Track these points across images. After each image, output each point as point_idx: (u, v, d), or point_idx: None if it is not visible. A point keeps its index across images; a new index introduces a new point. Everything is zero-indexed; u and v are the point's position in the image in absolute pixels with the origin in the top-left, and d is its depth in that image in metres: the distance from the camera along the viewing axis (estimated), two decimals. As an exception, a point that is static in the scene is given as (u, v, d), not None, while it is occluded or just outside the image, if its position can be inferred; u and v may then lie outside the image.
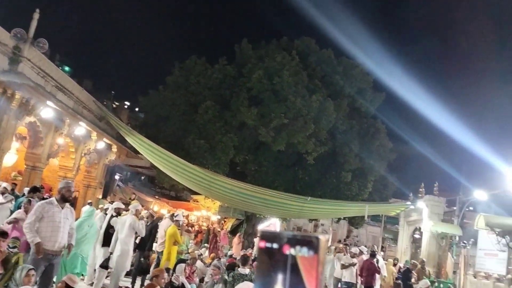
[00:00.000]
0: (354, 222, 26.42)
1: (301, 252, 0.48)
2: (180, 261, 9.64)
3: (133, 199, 19.85)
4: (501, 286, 12.93)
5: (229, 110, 18.88)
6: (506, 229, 11.93)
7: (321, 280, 0.46)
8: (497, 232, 12.13)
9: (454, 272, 15.04)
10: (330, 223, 24.80)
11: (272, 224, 17.81)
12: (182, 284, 7.31)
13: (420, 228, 17.60)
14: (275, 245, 0.49)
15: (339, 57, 21.49)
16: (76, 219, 7.96)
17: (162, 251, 10.23)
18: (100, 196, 19.20)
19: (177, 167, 14.34)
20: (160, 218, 12.21)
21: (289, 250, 0.48)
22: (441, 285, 13.96)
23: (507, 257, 12.73)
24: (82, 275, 9.24)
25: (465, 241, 13.88)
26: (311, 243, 0.47)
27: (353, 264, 11.18)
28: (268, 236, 0.52)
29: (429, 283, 10.48)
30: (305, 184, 19.51)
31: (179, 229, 10.60)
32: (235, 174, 19.34)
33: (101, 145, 17.39)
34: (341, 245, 13.61)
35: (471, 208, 14.61)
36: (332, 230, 26.85)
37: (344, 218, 25.25)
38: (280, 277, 0.47)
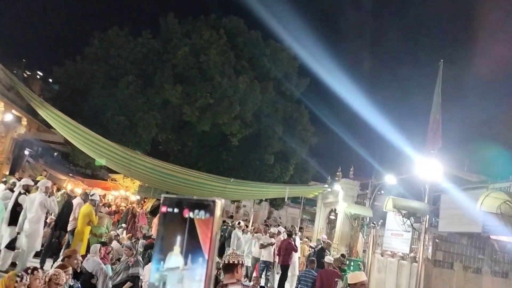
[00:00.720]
0: (275, 203, 27.15)
1: (199, 215, 0.50)
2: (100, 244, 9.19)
3: (44, 176, 18.52)
4: (404, 263, 14.01)
5: (152, 86, 18.21)
6: (411, 211, 12.88)
7: (215, 240, 0.49)
8: (403, 214, 13.05)
9: (364, 251, 16.02)
10: (252, 204, 25.18)
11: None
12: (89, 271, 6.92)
13: (335, 210, 18.48)
14: (176, 210, 0.51)
15: (267, 40, 21.60)
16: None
17: (73, 231, 9.66)
18: (7, 173, 17.67)
19: (94, 144, 13.57)
20: (74, 197, 11.52)
21: (188, 214, 0.50)
22: (352, 263, 14.82)
23: (411, 237, 13.76)
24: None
25: (374, 222, 14.81)
26: (208, 206, 0.49)
27: (272, 244, 11.45)
28: (169, 202, 0.53)
29: (332, 259, 10.98)
30: (228, 165, 19.54)
31: (95, 209, 10.07)
32: (157, 153, 18.82)
33: (9, 117, 15.91)
34: (260, 226, 13.89)
35: (382, 191, 15.59)
36: (253, 211, 27.33)
37: (266, 200, 25.82)
38: (179, 238, 0.49)
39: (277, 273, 12.30)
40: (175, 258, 0.48)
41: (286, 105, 21.85)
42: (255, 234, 12.32)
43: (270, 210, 31.26)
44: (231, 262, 3.54)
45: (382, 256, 15.65)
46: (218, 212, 0.49)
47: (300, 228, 16.56)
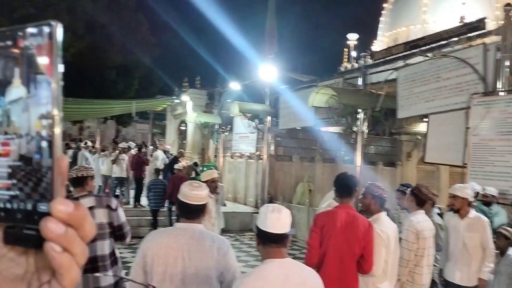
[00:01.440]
0: (122, 121, 26.16)
1: (36, 41, 0.45)
2: None
3: None
4: (252, 162, 15.28)
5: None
6: (255, 113, 13.81)
7: (57, 63, 0.44)
8: (248, 117, 13.92)
9: (216, 156, 16.90)
10: (96, 124, 23.83)
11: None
12: None
13: (185, 121, 18.72)
14: (9, 42, 0.45)
15: None
16: None
17: None
18: None
19: None
20: None
21: (23, 43, 0.45)
22: (205, 169, 15.56)
23: (256, 138, 14.92)
24: None
25: (223, 128, 15.52)
26: (43, 32, 0.45)
27: (123, 159, 11.28)
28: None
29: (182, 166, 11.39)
30: (64, 84, 17.81)
31: None
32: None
33: None
34: (108, 144, 13.40)
35: (229, 100, 16.18)
36: (99, 131, 25.98)
37: (112, 118, 24.67)
38: (17, 70, 0.45)
39: (132, 189, 12.29)
40: (16, 89, 0.45)
41: (122, 14, 20.21)
42: (101, 153, 11.87)
43: (117, 129, 30.10)
44: (79, 175, 3.38)
45: (232, 158, 16.78)
46: (58, 37, 0.45)
47: (154, 143, 16.44)
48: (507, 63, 6.90)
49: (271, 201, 11.81)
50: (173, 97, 19.83)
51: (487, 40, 7.51)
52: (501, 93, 6.88)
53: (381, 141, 15.79)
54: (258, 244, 2.10)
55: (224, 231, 11.61)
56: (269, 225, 2.02)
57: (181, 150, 15.97)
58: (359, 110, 10.40)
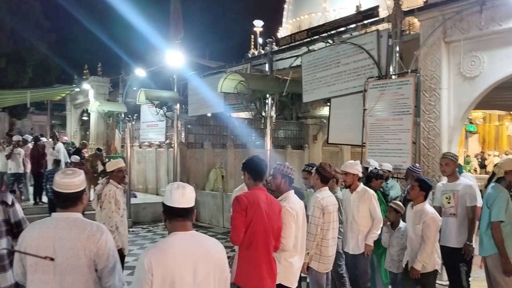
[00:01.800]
0: (16, 113, 23.94)
1: None
2: None
3: None
4: (161, 150, 14.93)
5: None
6: (163, 101, 13.44)
7: None
8: (155, 105, 13.51)
9: (122, 146, 16.19)
10: (-15, 117, 21.53)
11: None
12: None
13: (87, 110, 17.65)
14: None
15: None
16: None
17: None
18: None
19: None
20: None
21: None
22: (111, 160, 14.86)
23: (165, 125, 14.57)
24: None
25: (129, 116, 14.89)
26: None
27: (18, 153, 10.38)
28: None
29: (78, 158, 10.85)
30: None
31: None
32: None
33: None
34: (1, 139, 12.16)
35: (135, 88, 15.49)
36: (-11, 125, 23.50)
37: (4, 110, 22.52)
38: None
39: (30, 185, 11.37)
40: None
41: (10, -4, 18.33)
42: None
43: (11, 122, 27.41)
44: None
45: (140, 148, 16.22)
46: None
47: (53, 135, 15.21)
48: (398, 48, 7.50)
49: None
50: (73, 85, 18.59)
51: (380, 27, 8.08)
52: (393, 77, 7.47)
53: (289, 125, 16.37)
54: (165, 220, 2.20)
55: (135, 223, 11.31)
56: (175, 201, 2.14)
57: (84, 141, 15.08)
58: (267, 96, 10.65)
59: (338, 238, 4.65)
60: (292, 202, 3.62)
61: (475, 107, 7.16)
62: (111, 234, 2.40)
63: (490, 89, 6.45)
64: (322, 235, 4.24)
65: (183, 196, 2.15)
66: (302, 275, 4.18)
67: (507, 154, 14.18)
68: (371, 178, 5.46)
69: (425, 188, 4.38)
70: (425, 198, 4.39)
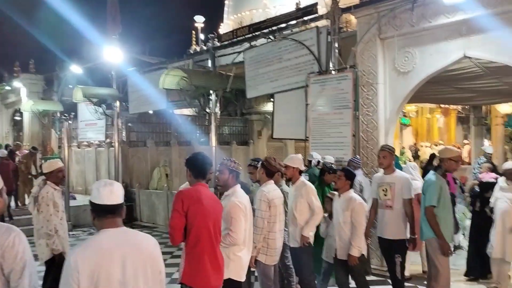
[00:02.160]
0: None
1: None
2: None
3: None
4: (102, 150, 14.40)
5: None
6: (102, 98, 12.93)
7: None
8: (94, 102, 12.98)
9: (60, 147, 15.43)
10: None
11: None
12: None
13: (20, 109, 16.62)
14: None
15: None
16: None
17: None
18: None
19: None
20: None
21: None
22: (48, 161, 14.11)
23: (104, 124, 14.02)
24: None
25: (66, 115, 14.16)
26: None
27: None
28: None
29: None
30: None
31: None
32: None
33: None
34: None
35: (71, 86, 14.73)
36: None
37: None
38: None
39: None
40: None
41: None
42: None
43: None
44: None
45: (79, 148, 15.53)
46: None
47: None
48: (336, 45, 7.73)
49: (126, 188, 11.33)
50: (3, 83, 17.44)
51: (319, 24, 8.30)
52: (333, 72, 7.70)
53: (234, 121, 16.38)
54: (94, 218, 2.16)
55: (75, 226, 10.83)
56: (104, 198, 2.11)
57: (18, 142, 14.21)
58: (211, 92, 10.57)
59: (285, 230, 4.73)
60: (240, 196, 3.66)
61: (408, 100, 7.55)
62: (24, 236, 2.24)
63: (422, 83, 6.84)
64: (269, 228, 4.30)
65: (111, 193, 2.13)
66: (251, 269, 4.22)
67: (436, 146, 15.14)
68: (324, 172, 5.66)
69: (350, 177, 4.65)
70: (351, 186, 4.65)
